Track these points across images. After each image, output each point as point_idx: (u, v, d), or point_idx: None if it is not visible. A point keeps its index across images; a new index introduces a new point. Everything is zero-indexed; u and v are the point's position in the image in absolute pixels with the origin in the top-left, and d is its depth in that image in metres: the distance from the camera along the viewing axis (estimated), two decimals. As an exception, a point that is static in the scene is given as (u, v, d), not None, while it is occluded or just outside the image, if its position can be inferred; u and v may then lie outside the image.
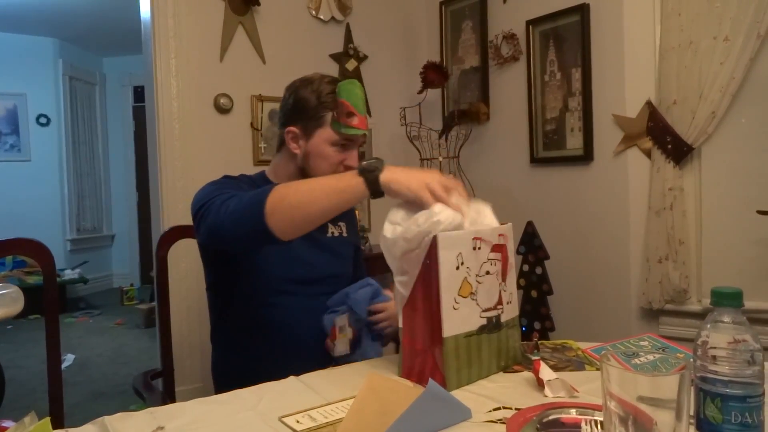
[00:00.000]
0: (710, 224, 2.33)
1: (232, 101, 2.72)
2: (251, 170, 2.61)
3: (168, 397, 1.57)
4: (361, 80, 3.16)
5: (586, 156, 2.60)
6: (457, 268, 1.02)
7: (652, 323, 2.45)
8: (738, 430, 0.64)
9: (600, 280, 2.59)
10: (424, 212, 1.02)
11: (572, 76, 2.64)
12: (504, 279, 1.11)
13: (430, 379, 0.82)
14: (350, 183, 1.08)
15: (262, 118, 2.79)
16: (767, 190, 2.19)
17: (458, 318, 1.03)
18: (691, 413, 0.68)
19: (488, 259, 1.07)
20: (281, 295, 1.37)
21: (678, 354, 1.13)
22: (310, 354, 1.35)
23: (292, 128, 1.38)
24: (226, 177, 1.41)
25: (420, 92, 2.94)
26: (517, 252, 2.66)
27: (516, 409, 0.91)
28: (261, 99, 2.80)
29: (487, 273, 1.07)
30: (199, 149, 2.63)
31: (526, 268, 2.68)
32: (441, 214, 1.01)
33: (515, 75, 2.89)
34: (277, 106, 2.77)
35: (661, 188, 2.34)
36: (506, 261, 1.12)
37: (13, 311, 1.02)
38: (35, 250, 1.38)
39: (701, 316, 2.33)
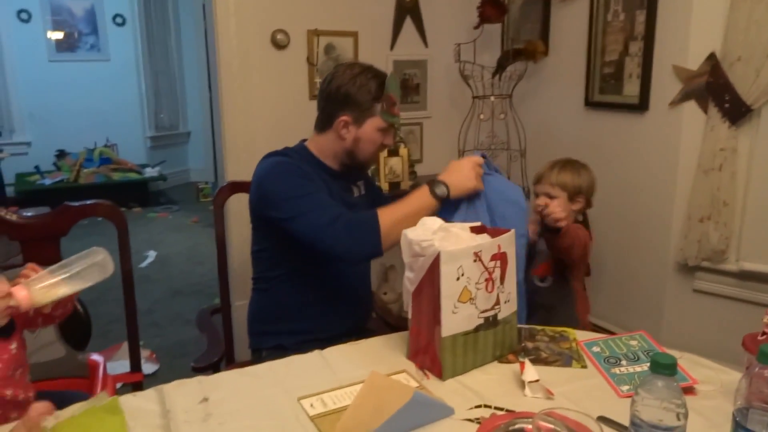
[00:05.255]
0: (758, 188, 2.28)
1: (288, 37, 2.77)
2: (307, 104, 2.75)
3: (225, 335, 1.84)
4: (419, 12, 3.10)
5: (641, 105, 2.53)
6: (458, 279, 1.16)
7: (688, 278, 2.49)
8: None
9: (640, 231, 2.63)
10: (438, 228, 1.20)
11: (636, 18, 2.51)
12: (502, 282, 1.24)
13: (415, 391, 0.99)
14: (430, 204, 1.44)
15: (318, 53, 2.85)
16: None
17: (457, 320, 1.18)
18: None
19: (487, 268, 1.20)
20: (329, 262, 1.57)
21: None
22: (355, 309, 1.69)
23: (344, 117, 1.54)
24: (279, 157, 1.57)
25: (476, 27, 2.88)
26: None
27: (495, 407, 1.07)
28: (317, 33, 2.84)
29: (487, 280, 1.20)
30: (257, 85, 2.73)
31: (568, 212, 2.72)
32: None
33: (577, 12, 2.76)
34: (333, 40, 2.90)
35: (712, 147, 2.29)
36: (505, 266, 1.24)
37: (103, 278, 1.13)
38: (109, 212, 1.60)
39: (738, 276, 2.37)
